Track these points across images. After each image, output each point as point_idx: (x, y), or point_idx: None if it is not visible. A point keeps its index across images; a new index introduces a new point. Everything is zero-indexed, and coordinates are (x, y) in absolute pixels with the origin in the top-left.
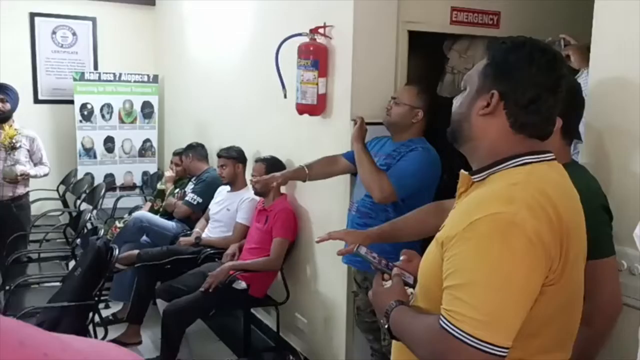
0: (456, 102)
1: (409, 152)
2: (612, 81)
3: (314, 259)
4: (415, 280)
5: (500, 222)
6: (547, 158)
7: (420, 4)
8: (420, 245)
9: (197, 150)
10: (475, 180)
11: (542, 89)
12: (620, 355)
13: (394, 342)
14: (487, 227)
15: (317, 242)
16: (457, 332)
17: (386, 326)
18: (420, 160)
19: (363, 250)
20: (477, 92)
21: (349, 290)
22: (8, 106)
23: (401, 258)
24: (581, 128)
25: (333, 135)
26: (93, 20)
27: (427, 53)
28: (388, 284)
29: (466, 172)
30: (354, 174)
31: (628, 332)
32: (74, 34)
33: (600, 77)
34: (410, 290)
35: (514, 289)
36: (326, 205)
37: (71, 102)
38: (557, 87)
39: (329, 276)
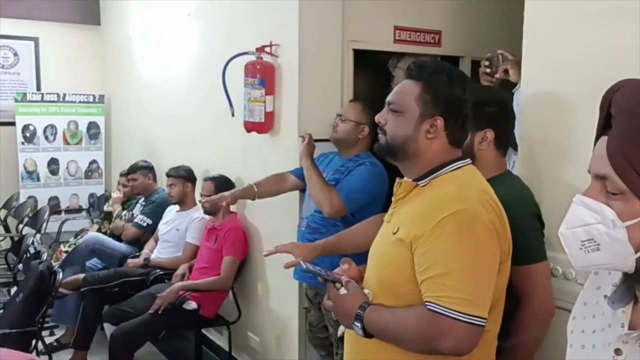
0: (393, 124)
1: (357, 166)
2: (542, 96)
3: (265, 276)
4: (356, 283)
5: (465, 217)
6: (469, 162)
7: (364, 23)
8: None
9: (147, 169)
10: (421, 185)
11: (469, 108)
12: (555, 356)
13: (350, 341)
14: (455, 222)
15: (265, 255)
16: (450, 312)
17: (360, 326)
18: (368, 175)
19: (306, 265)
20: (421, 117)
21: (301, 306)
22: None
23: (343, 267)
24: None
25: (281, 153)
26: (35, 40)
27: (372, 71)
28: (342, 291)
29: (409, 180)
30: (302, 191)
31: (563, 334)
32: (15, 54)
33: (530, 93)
34: (366, 290)
35: (485, 269)
36: (276, 223)
37: (12, 123)
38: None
39: (280, 293)
